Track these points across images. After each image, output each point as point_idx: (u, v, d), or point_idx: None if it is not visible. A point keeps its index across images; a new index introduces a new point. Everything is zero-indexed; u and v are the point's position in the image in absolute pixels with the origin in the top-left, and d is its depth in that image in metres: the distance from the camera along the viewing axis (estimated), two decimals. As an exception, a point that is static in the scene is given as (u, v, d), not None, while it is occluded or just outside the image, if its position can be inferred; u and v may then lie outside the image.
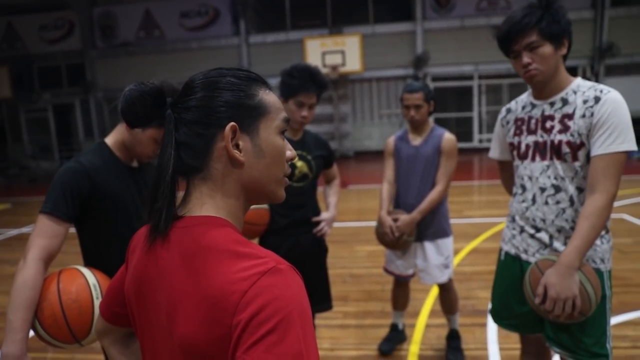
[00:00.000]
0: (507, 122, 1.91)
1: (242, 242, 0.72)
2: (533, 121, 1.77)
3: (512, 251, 1.89)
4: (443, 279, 2.76)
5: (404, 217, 2.61)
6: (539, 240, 1.77)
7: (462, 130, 14.63)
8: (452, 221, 2.91)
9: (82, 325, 1.38)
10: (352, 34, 14.13)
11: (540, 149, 1.74)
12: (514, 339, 3.02)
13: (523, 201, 1.81)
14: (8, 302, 1.34)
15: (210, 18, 15.63)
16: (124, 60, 15.75)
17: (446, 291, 2.85)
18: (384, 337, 3.02)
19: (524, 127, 1.80)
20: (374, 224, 2.86)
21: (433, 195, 2.63)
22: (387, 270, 2.93)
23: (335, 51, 13.87)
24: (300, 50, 13.97)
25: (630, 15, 13.69)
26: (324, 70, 13.20)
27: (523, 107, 1.83)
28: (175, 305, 0.71)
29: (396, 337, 3.02)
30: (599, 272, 1.67)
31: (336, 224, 2.70)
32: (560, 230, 1.71)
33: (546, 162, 1.72)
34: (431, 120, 2.76)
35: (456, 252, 4.72)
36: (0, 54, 16.38)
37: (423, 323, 3.32)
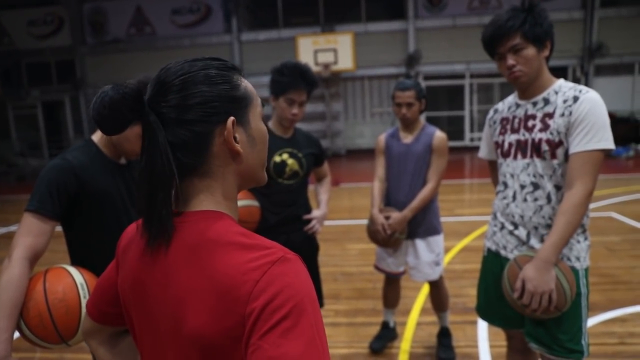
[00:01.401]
0: (494, 122, 1.97)
1: (247, 234, 0.73)
2: (517, 120, 1.82)
3: (493, 247, 1.95)
4: (434, 276, 2.77)
5: (395, 215, 2.61)
6: (517, 237, 1.82)
7: (454, 129, 14.70)
8: (443, 219, 2.93)
9: (69, 325, 1.36)
10: (344, 32, 14.12)
11: (522, 147, 1.79)
12: (504, 336, 3.04)
13: (504, 198, 1.87)
14: None
15: (202, 15, 15.53)
16: (115, 57, 15.61)
17: (437, 289, 2.86)
18: (375, 335, 3.03)
19: (508, 126, 1.86)
20: (365, 222, 2.86)
21: (424, 193, 2.64)
22: (378, 268, 2.93)
23: (328, 49, 13.85)
24: (293, 48, 13.93)
25: (620, 16, 13.83)
26: (316, 69, 13.19)
27: (509, 107, 1.89)
28: (183, 300, 0.71)
29: (387, 335, 3.02)
30: (574, 270, 1.71)
31: (327, 222, 2.70)
32: (537, 227, 1.76)
33: (527, 160, 1.77)
34: (422, 118, 2.77)
35: (447, 250, 4.74)
36: (-13, 49, 16.17)
37: (414, 321, 3.33)
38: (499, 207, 1.91)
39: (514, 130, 1.83)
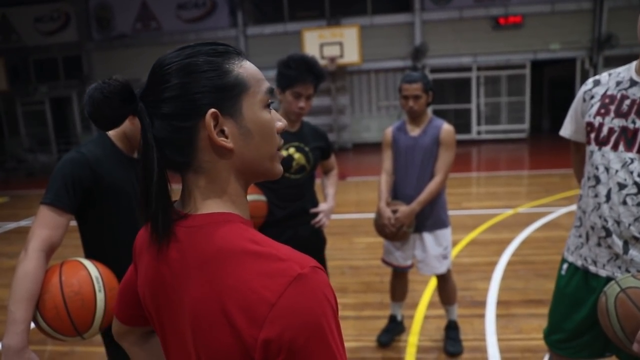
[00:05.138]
0: (592, 97, 1.59)
1: (257, 240, 0.69)
2: (627, 102, 1.46)
3: (579, 263, 1.63)
4: (441, 270, 2.77)
5: (403, 209, 2.61)
6: (609, 247, 1.51)
7: (461, 122, 14.59)
8: (451, 212, 2.92)
9: (84, 318, 1.38)
10: (350, 25, 14.03)
11: (627, 137, 1.44)
12: (512, 330, 3.03)
13: (595, 195, 1.54)
14: (9, 294, 1.33)
15: (208, 9, 15.50)
16: (121, 52, 15.64)
17: (444, 282, 2.85)
18: (383, 328, 3.03)
19: (612, 107, 1.49)
20: (372, 215, 2.86)
21: (432, 186, 2.63)
22: (385, 262, 2.93)
23: (334, 42, 13.78)
24: (298, 41, 13.88)
25: (630, 6, 13.62)
26: (322, 62, 13.14)
27: (618, 83, 1.52)
28: (197, 313, 0.69)
29: (395, 328, 3.03)
30: None
31: (335, 216, 2.70)
32: (637, 237, 1.45)
33: (631, 155, 1.43)
34: (429, 111, 2.75)
35: (454, 243, 4.73)
36: (-5, 46, 16.26)
37: (422, 314, 3.33)
38: (587, 205, 1.57)
39: (620, 114, 1.46)
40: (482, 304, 3.43)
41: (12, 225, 7.17)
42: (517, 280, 3.86)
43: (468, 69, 14.64)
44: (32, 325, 1.35)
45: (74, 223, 1.62)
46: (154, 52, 15.18)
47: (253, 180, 0.79)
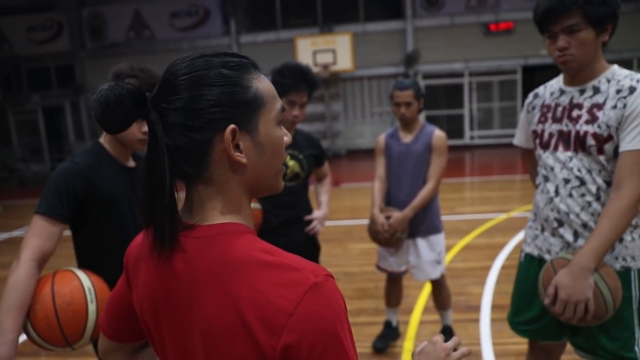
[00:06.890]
0: (533, 108, 1.78)
1: (269, 250, 0.70)
2: (560, 109, 1.64)
3: (535, 252, 1.76)
4: (435, 275, 2.78)
5: (396, 215, 2.62)
6: (561, 237, 1.65)
7: (453, 128, 14.69)
8: (444, 218, 2.93)
9: (75, 329, 1.37)
10: (342, 32, 14.12)
11: (564, 139, 1.61)
12: (507, 334, 3.04)
13: (547, 192, 1.69)
14: (0, 304, 1.33)
15: (201, 18, 15.54)
16: (114, 61, 15.15)
17: (439, 287, 2.87)
18: (378, 334, 3.03)
19: (549, 115, 1.68)
20: (366, 221, 2.87)
21: (425, 192, 2.64)
22: (379, 268, 2.94)
23: (326, 50, 13.86)
24: (291, 49, 13.95)
25: (619, 13, 13.82)
26: (315, 69, 13.19)
27: (551, 93, 1.71)
28: (211, 324, 0.68)
29: (390, 334, 3.03)
30: (627, 270, 1.55)
31: (329, 222, 2.71)
32: (585, 225, 1.58)
33: (569, 153, 1.60)
34: (421, 117, 2.77)
35: (448, 248, 4.75)
36: (-13, 56, 16.19)
37: (417, 319, 3.34)
38: (540, 201, 1.72)
39: (556, 120, 1.64)
40: (477, 308, 3.44)
41: (4, 235, 7.11)
42: (511, 284, 3.82)
43: (460, 74, 14.76)
44: (23, 335, 1.34)
45: (67, 232, 1.62)
46: (147, 60, 15.14)
47: (258, 194, 0.78)
